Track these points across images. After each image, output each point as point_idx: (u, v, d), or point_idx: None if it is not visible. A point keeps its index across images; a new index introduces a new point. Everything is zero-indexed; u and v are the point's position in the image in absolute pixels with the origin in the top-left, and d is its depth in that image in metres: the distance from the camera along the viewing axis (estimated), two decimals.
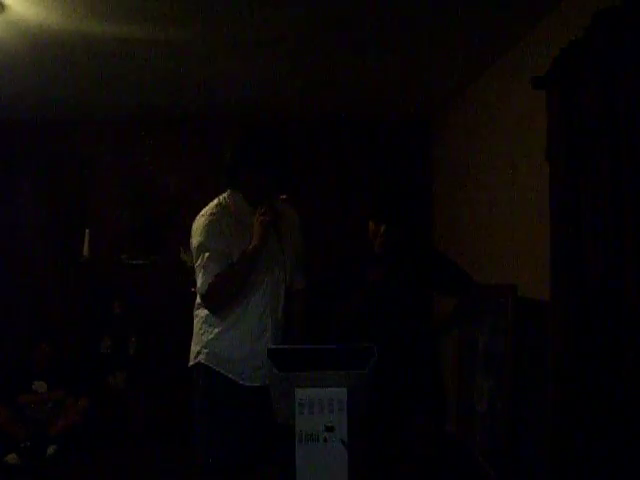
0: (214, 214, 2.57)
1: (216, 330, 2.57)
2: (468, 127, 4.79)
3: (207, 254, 2.49)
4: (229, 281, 2.47)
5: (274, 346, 2.45)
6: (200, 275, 2.50)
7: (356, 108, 5.31)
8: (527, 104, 3.55)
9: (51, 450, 4.57)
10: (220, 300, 2.52)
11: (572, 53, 2.74)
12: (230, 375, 2.55)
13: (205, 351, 2.59)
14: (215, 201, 2.65)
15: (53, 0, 3.08)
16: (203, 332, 2.61)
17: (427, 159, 5.70)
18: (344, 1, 3.24)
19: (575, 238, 2.76)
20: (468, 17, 3.39)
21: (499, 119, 4.13)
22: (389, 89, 4.77)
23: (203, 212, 2.61)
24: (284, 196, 2.67)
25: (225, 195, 2.66)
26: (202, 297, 2.54)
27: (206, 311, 2.61)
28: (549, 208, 2.94)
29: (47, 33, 3.47)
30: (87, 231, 5.30)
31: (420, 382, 3.16)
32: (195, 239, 2.56)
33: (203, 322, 2.62)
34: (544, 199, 3.03)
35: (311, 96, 4.95)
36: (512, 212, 3.89)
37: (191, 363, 2.66)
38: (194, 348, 2.65)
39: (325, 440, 2.08)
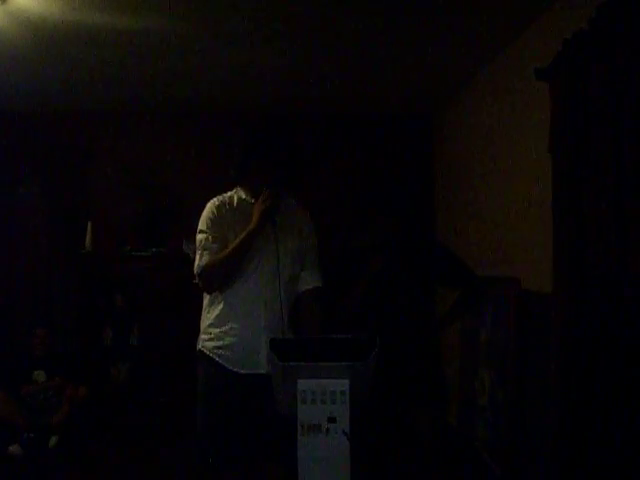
0: (216, 201, 2.71)
1: (212, 316, 2.67)
2: (470, 120, 4.77)
3: (205, 236, 2.62)
4: (222, 263, 2.56)
5: (276, 337, 2.45)
6: (197, 257, 2.63)
7: (358, 102, 5.30)
8: (530, 96, 3.54)
9: (53, 441, 4.58)
10: (212, 281, 2.61)
11: (575, 44, 2.74)
12: (220, 361, 2.60)
13: (203, 337, 2.70)
14: (223, 194, 2.76)
15: None
16: (203, 319, 2.72)
17: (430, 152, 5.69)
18: None
19: (578, 231, 2.76)
20: (470, 9, 3.38)
21: (501, 111, 4.11)
22: (392, 83, 4.75)
23: (209, 202, 2.73)
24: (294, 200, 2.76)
25: (233, 191, 2.77)
26: (197, 277, 2.64)
27: (208, 298, 2.70)
28: (552, 200, 2.93)
29: (48, 24, 3.46)
30: (89, 223, 5.30)
31: (421, 374, 3.16)
32: (198, 227, 2.69)
33: (204, 309, 2.73)
34: (547, 191, 3.02)
35: (313, 91, 4.93)
36: (515, 205, 3.88)
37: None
38: (200, 335, 2.72)
39: (327, 431, 2.08)
